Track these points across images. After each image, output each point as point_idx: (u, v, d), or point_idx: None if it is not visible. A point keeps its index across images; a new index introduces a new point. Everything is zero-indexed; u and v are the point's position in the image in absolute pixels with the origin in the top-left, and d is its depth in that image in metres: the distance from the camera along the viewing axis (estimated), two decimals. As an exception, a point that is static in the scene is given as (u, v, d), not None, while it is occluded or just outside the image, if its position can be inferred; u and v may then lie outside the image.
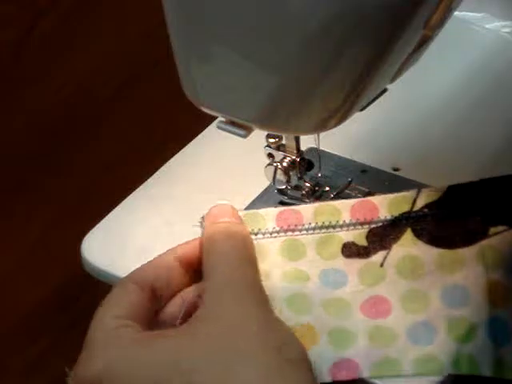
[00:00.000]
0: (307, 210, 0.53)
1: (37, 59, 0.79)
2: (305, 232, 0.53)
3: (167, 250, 0.51)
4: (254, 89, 0.53)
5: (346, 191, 0.67)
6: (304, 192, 0.66)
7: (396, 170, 0.71)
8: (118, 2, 0.86)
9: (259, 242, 0.52)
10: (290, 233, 0.53)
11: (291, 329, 0.48)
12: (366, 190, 0.67)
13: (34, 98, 0.80)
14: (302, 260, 0.52)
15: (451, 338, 0.50)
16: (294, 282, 0.51)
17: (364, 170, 0.70)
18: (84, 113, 0.87)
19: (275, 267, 0.52)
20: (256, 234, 0.52)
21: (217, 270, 0.48)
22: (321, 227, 0.53)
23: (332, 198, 0.65)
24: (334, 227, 0.53)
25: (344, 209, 0.53)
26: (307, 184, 0.66)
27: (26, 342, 0.90)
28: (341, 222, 0.53)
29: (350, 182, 0.67)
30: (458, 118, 0.77)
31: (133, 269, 0.55)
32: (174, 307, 0.51)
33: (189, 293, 0.51)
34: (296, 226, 0.53)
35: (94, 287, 0.73)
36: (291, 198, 0.66)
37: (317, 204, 0.54)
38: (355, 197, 0.66)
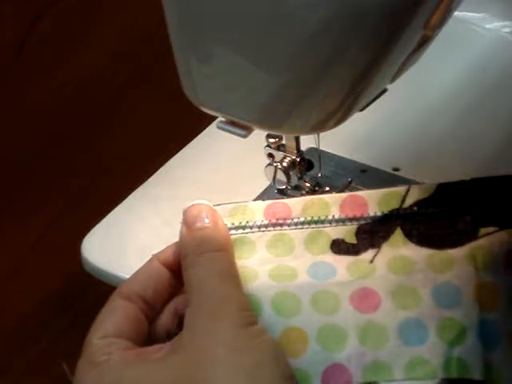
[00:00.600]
0: (296, 204, 0.53)
1: (37, 59, 0.79)
2: (293, 226, 0.52)
3: (151, 257, 0.51)
4: (253, 89, 0.53)
5: (346, 191, 0.67)
6: (304, 192, 0.66)
7: (396, 170, 0.71)
8: (119, 2, 0.86)
9: (247, 236, 0.52)
10: (278, 227, 0.52)
11: (272, 344, 0.47)
12: (366, 190, 0.67)
13: (34, 97, 0.80)
14: (290, 256, 0.52)
15: (442, 340, 0.50)
16: (282, 281, 0.51)
17: (364, 169, 0.70)
18: (84, 113, 0.87)
19: (263, 265, 0.51)
20: (244, 228, 0.52)
21: (194, 291, 0.48)
22: (310, 222, 0.52)
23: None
24: (322, 222, 0.52)
25: (333, 203, 0.53)
26: (307, 184, 0.66)
27: (26, 341, 0.90)
28: (330, 217, 0.52)
29: (349, 182, 0.67)
30: (457, 118, 0.77)
31: (133, 269, 0.55)
32: (167, 316, 0.51)
33: (180, 303, 0.50)
34: (284, 219, 0.52)
35: (94, 287, 0.73)
36: (291, 198, 0.66)
37: (307, 198, 0.53)
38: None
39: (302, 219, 0.52)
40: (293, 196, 0.66)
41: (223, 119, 0.58)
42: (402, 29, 0.50)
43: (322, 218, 0.52)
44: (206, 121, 0.75)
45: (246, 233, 0.52)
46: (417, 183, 0.67)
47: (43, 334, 0.91)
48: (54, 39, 0.80)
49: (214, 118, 0.60)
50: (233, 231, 0.51)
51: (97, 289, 0.75)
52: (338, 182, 0.67)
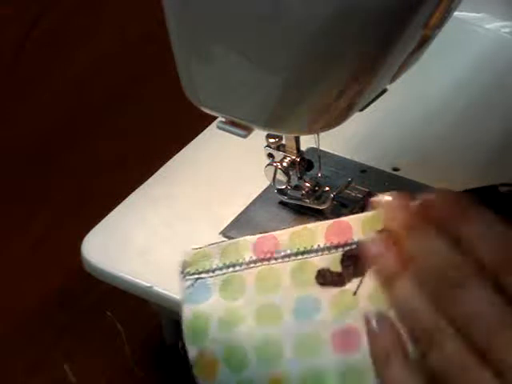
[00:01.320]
0: (283, 235, 0.53)
1: (37, 59, 0.79)
2: (280, 260, 0.53)
3: None
4: (253, 89, 0.53)
5: (346, 191, 0.67)
6: (304, 192, 0.66)
7: (396, 169, 0.71)
8: (119, 2, 0.86)
9: (236, 274, 0.52)
10: (266, 262, 0.52)
11: None
12: (366, 189, 0.67)
13: (33, 97, 0.81)
14: (276, 290, 0.52)
15: None
16: (268, 324, 0.51)
17: (364, 170, 0.70)
18: (84, 113, 0.87)
19: (249, 305, 0.52)
20: (234, 266, 0.52)
21: None
22: (296, 253, 0.53)
23: (332, 198, 0.65)
24: (308, 252, 0.53)
25: (319, 231, 0.53)
26: (307, 184, 0.66)
27: (26, 341, 0.90)
28: (315, 247, 0.53)
29: (349, 182, 0.67)
30: (457, 118, 0.77)
31: (133, 269, 0.55)
32: None
33: None
34: (272, 253, 0.53)
35: (94, 287, 0.73)
36: (291, 197, 0.66)
37: (293, 228, 0.53)
38: (355, 197, 0.66)
39: (288, 251, 0.52)
40: (293, 196, 0.66)
41: (223, 119, 0.58)
42: (402, 29, 0.50)
43: (308, 248, 0.52)
44: (206, 121, 0.75)
45: (236, 271, 0.52)
46: (417, 183, 0.68)
47: (43, 334, 0.91)
48: (54, 39, 0.80)
49: (214, 118, 0.60)
50: (224, 270, 0.52)
51: (97, 289, 0.75)
52: (338, 182, 0.67)
